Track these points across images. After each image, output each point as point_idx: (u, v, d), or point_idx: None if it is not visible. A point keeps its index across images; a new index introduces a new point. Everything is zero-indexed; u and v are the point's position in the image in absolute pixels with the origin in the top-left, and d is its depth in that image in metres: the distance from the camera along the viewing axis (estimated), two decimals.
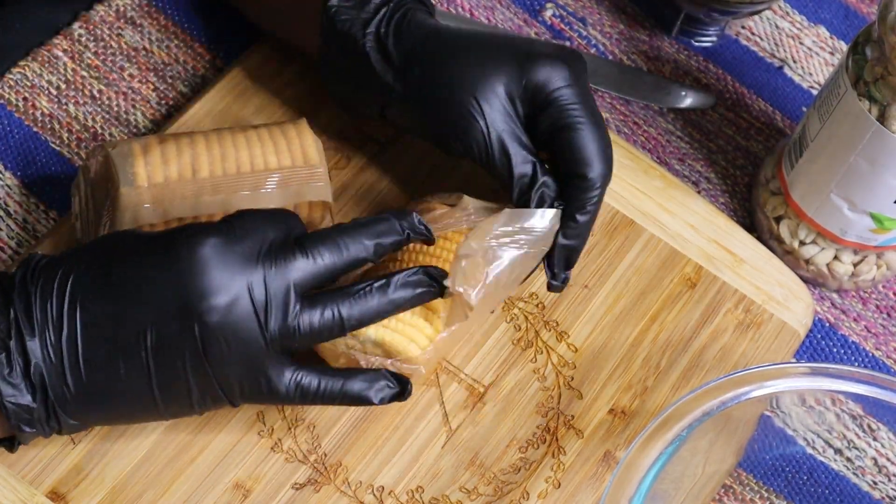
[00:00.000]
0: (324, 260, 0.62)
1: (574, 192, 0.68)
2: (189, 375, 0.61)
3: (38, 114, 0.78)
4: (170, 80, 0.80)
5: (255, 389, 0.62)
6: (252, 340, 0.61)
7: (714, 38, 0.88)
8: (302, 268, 0.62)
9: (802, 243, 0.78)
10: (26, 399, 0.60)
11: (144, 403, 0.62)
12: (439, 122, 0.69)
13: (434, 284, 0.64)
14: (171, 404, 0.62)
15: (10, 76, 0.79)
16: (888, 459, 0.74)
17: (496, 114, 0.68)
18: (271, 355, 0.62)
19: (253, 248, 0.61)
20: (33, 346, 0.60)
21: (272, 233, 0.62)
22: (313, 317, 0.62)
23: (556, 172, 0.69)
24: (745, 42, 0.88)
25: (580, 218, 0.68)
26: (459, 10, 0.87)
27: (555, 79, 0.68)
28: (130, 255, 0.62)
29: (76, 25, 0.81)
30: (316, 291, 0.63)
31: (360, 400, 0.64)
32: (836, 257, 0.78)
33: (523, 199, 0.68)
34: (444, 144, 0.70)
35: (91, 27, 0.81)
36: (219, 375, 0.61)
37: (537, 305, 0.74)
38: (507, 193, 0.69)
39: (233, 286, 0.60)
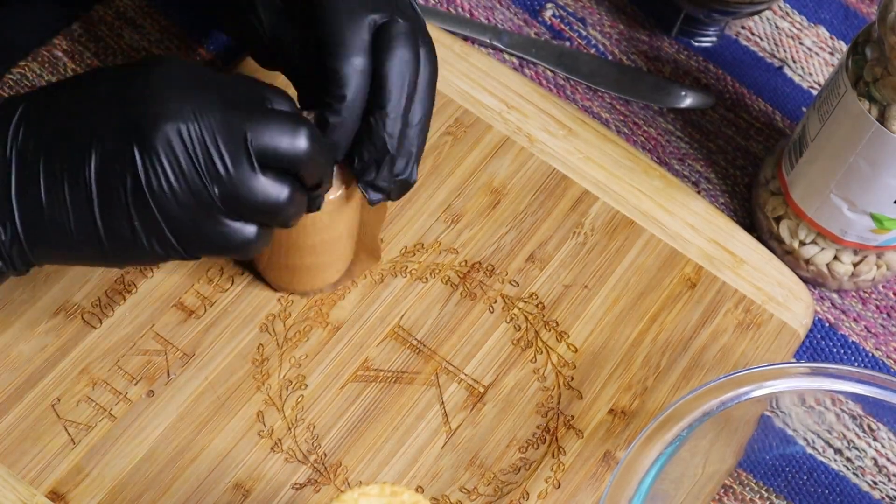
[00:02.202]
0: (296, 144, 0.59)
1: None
2: (131, 207, 0.57)
3: None
4: None
5: (207, 242, 0.60)
6: (197, 186, 0.57)
7: (714, 39, 0.88)
8: (269, 134, 0.58)
9: (802, 243, 0.78)
10: None
11: (90, 238, 0.58)
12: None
13: None
14: (116, 242, 0.58)
15: (10, 76, 0.79)
16: (888, 459, 0.74)
17: None
18: (219, 208, 0.59)
19: (224, 94, 0.58)
20: None
21: (254, 95, 0.59)
22: (260, 186, 0.59)
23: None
24: (744, 42, 0.88)
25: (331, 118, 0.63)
26: (459, 10, 0.87)
27: None
28: (88, 79, 0.59)
29: (76, 25, 0.81)
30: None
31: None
32: (835, 257, 0.78)
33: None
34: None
35: (91, 27, 0.81)
36: (163, 213, 0.58)
37: (537, 306, 0.74)
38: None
39: (185, 116, 0.56)
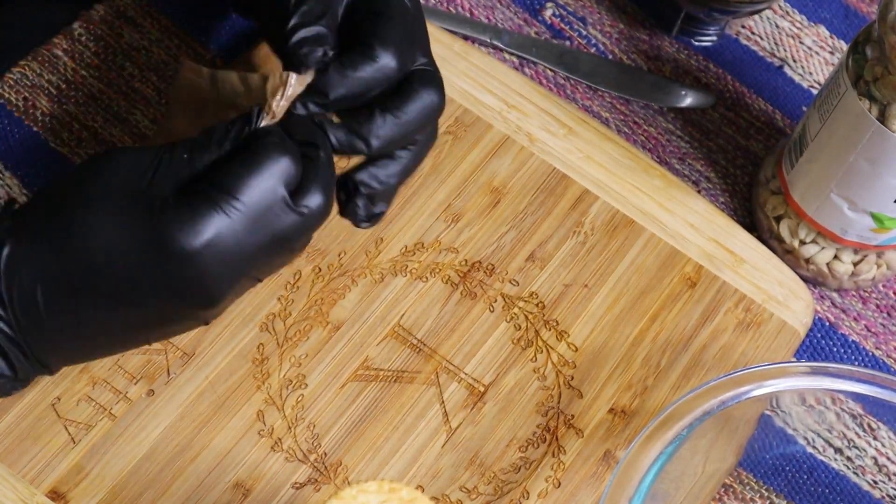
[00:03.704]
0: (316, 216, 0.60)
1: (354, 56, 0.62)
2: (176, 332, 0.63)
3: (38, 113, 0.78)
4: (170, 80, 0.80)
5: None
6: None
7: (714, 38, 0.88)
8: (295, 229, 0.60)
9: (802, 242, 0.78)
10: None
11: (124, 350, 0.65)
12: None
13: None
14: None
15: (11, 76, 0.79)
16: (888, 458, 0.74)
17: None
18: None
19: (255, 229, 0.58)
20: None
21: (271, 203, 0.58)
22: None
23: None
24: (745, 41, 0.88)
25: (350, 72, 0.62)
26: (459, 9, 0.87)
27: None
28: (110, 247, 0.57)
29: (76, 25, 0.81)
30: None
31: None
32: (836, 257, 0.78)
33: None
34: None
35: (91, 27, 0.81)
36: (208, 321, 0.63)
37: (537, 305, 0.74)
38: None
39: (239, 282, 0.60)
